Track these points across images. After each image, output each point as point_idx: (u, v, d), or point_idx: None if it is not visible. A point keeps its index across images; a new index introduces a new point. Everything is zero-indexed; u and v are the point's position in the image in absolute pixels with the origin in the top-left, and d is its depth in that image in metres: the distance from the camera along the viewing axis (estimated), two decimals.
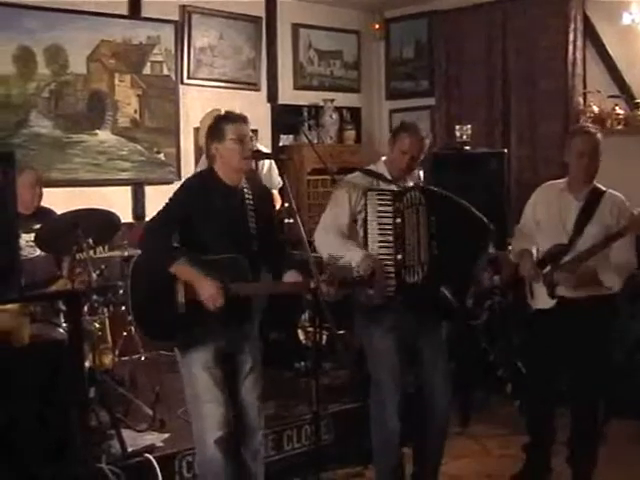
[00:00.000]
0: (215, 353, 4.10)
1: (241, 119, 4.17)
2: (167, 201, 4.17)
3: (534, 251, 4.79)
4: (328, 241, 4.46)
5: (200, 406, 4.12)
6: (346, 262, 4.30)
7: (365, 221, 4.40)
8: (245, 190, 4.21)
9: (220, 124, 4.16)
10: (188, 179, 4.42)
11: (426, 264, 4.36)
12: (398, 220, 4.36)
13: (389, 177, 4.52)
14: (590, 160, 4.63)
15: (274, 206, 4.51)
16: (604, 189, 4.71)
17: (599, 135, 4.69)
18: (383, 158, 4.65)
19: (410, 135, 4.46)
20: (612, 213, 4.61)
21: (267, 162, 6.38)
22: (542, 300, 4.72)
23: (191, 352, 4.11)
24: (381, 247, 4.36)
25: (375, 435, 4.64)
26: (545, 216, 4.77)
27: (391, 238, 4.36)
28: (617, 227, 4.50)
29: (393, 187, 4.47)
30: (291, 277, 4.19)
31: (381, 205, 4.36)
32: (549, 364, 4.82)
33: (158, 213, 4.17)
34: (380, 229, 4.37)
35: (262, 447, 4.39)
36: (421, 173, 4.73)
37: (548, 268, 4.67)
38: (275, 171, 6.43)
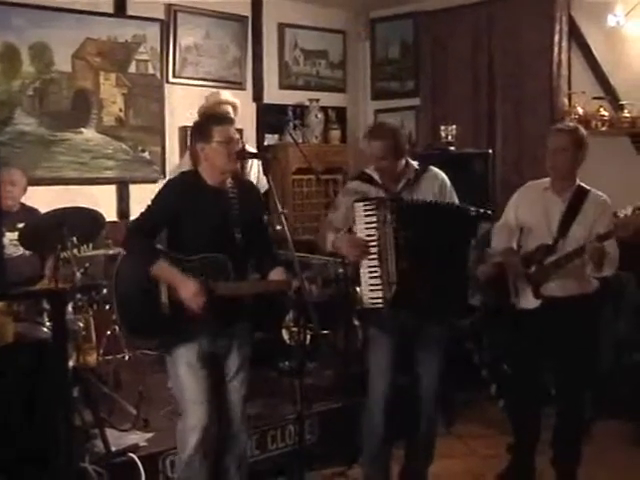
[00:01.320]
0: (200, 353, 4.10)
1: (228, 120, 4.17)
2: (150, 202, 4.17)
3: (515, 247, 4.80)
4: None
5: (183, 405, 4.14)
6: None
7: (353, 231, 4.47)
8: (230, 190, 4.19)
9: (207, 124, 4.15)
10: (171, 179, 4.42)
11: (394, 284, 4.37)
12: (379, 233, 4.38)
13: (379, 180, 4.55)
14: (561, 157, 4.65)
15: (262, 204, 4.49)
16: (588, 189, 4.72)
17: (580, 133, 4.70)
18: None
19: (372, 139, 4.50)
20: (595, 213, 4.61)
21: (255, 163, 6.36)
22: (527, 300, 4.72)
23: (176, 351, 4.12)
24: (370, 259, 4.40)
25: (363, 427, 4.73)
26: (529, 217, 4.77)
27: (375, 250, 4.39)
28: (602, 228, 4.51)
29: (381, 193, 4.49)
30: (276, 274, 4.20)
31: (367, 215, 4.39)
32: (534, 364, 4.84)
33: (141, 214, 4.17)
34: (367, 240, 4.39)
35: (246, 451, 4.40)
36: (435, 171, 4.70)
37: (533, 268, 4.68)
38: (261, 172, 6.43)
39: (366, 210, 4.38)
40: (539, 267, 4.65)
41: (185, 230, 4.10)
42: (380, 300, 4.38)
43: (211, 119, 4.19)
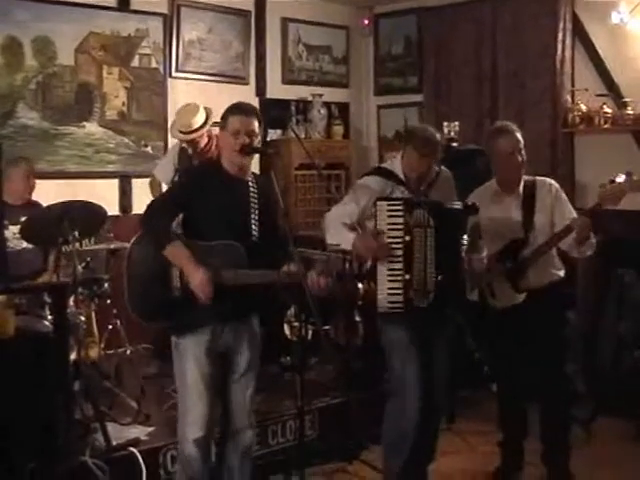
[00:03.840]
0: (207, 349, 4.07)
1: (243, 111, 4.11)
2: (169, 186, 4.17)
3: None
4: (330, 227, 4.47)
5: (186, 400, 4.11)
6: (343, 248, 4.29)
7: (376, 231, 4.33)
8: (251, 183, 4.17)
9: (226, 114, 4.14)
10: (193, 166, 4.42)
11: (432, 292, 4.31)
12: (407, 238, 4.28)
13: (404, 180, 4.46)
14: (519, 157, 4.67)
15: (278, 198, 4.45)
16: (532, 178, 4.77)
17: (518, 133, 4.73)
18: (399, 156, 4.57)
19: (418, 144, 4.39)
20: (550, 197, 4.69)
21: None
22: (507, 297, 4.75)
23: (184, 342, 4.09)
24: (390, 261, 4.30)
25: (390, 431, 4.61)
26: (486, 221, 4.65)
27: (400, 252, 4.29)
28: (565, 207, 4.63)
29: (407, 194, 4.42)
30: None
31: (391, 217, 4.28)
32: (515, 360, 4.87)
33: (161, 194, 4.20)
34: (390, 242, 4.29)
35: (252, 448, 4.33)
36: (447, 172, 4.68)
37: (508, 264, 4.71)
38: None
39: (391, 210, 4.28)
40: (514, 262, 4.68)
41: (201, 217, 4.08)
42: (400, 304, 4.30)
43: (230, 108, 4.16)
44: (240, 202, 4.11)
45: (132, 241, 4.24)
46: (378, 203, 4.31)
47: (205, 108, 6.07)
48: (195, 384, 4.06)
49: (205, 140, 5.94)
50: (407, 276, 4.29)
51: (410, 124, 4.77)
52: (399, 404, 4.51)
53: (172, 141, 6.66)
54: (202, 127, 5.95)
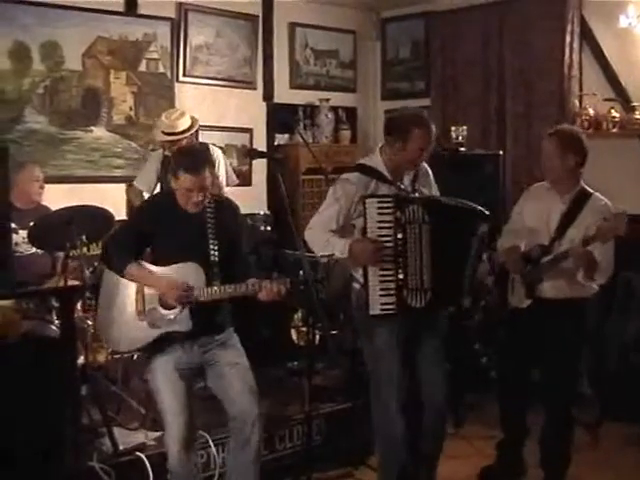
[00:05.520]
0: (179, 361, 4.14)
1: (197, 170, 4.06)
2: (126, 219, 4.24)
3: (522, 247, 4.79)
4: (315, 240, 4.35)
5: (163, 415, 4.18)
6: (338, 257, 4.26)
7: (364, 230, 4.23)
8: (208, 212, 4.20)
9: (177, 167, 4.12)
10: (147, 199, 4.50)
11: (429, 290, 4.24)
12: (399, 235, 4.19)
13: (389, 176, 4.36)
14: (547, 162, 4.70)
15: (240, 222, 4.47)
16: (591, 192, 4.70)
17: (565, 137, 4.69)
18: (377, 151, 4.44)
19: (426, 130, 4.29)
20: (593, 218, 4.52)
21: (222, 160, 6.36)
22: (519, 298, 4.75)
23: (154, 361, 4.17)
24: (381, 261, 4.20)
25: (380, 439, 4.56)
26: (532, 217, 4.78)
27: (391, 252, 4.20)
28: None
29: (394, 190, 4.32)
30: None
31: (381, 214, 4.18)
32: (521, 362, 4.87)
33: (115, 230, 4.32)
34: (381, 241, 4.19)
35: (259, 453, 4.25)
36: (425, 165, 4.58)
37: (529, 267, 4.69)
38: (229, 167, 6.49)
39: (381, 208, 4.17)
40: (534, 267, 4.66)
41: (161, 245, 4.20)
42: (392, 306, 4.22)
43: (182, 164, 4.11)
44: (196, 227, 4.17)
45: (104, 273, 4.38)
46: (367, 201, 4.20)
47: (191, 116, 6.12)
48: (168, 399, 4.12)
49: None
50: (400, 275, 4.21)
51: (398, 112, 4.53)
52: (383, 411, 4.45)
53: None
54: (187, 131, 5.99)
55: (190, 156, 4.23)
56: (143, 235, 4.19)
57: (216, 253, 4.15)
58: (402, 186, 4.39)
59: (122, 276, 4.13)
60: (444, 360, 4.60)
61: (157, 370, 4.15)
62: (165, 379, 4.12)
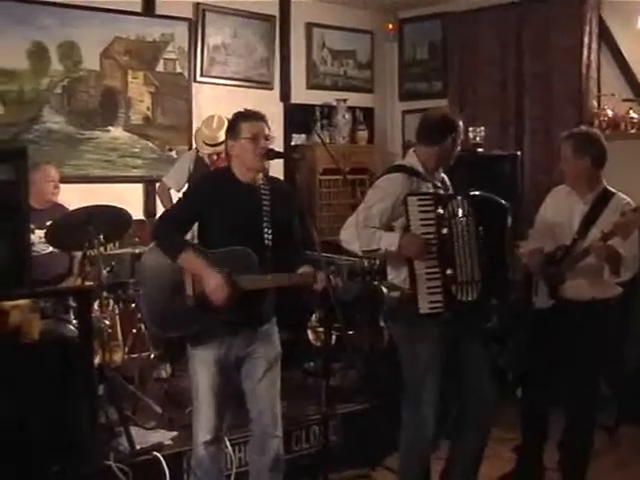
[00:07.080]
0: (219, 355, 4.09)
1: (256, 117, 4.13)
2: (181, 196, 4.19)
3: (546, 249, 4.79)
4: (359, 235, 4.27)
5: (197, 403, 4.16)
6: (384, 252, 4.22)
7: (407, 229, 4.23)
8: (263, 188, 4.16)
9: (236, 122, 4.14)
10: (203, 175, 4.45)
11: (480, 282, 4.24)
12: (444, 230, 4.21)
13: (427, 176, 4.38)
14: (564, 165, 4.74)
15: (295, 205, 4.42)
16: (613, 192, 4.70)
17: (579, 140, 4.70)
18: (412, 152, 4.49)
19: (460, 131, 4.43)
20: (615, 216, 4.49)
21: None
22: (542, 299, 4.76)
23: (197, 348, 4.12)
24: (427, 259, 4.20)
25: (407, 440, 4.50)
26: (555, 218, 4.79)
27: (435, 249, 4.20)
28: None
29: (431, 188, 4.35)
30: (303, 271, 4.15)
31: (422, 212, 4.20)
32: (544, 364, 4.84)
33: (171, 206, 4.22)
34: (425, 238, 4.19)
35: (280, 453, 4.25)
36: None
37: (551, 268, 4.69)
38: None
39: (422, 205, 4.19)
40: (557, 267, 4.65)
41: (214, 225, 4.09)
42: (440, 304, 4.21)
43: (240, 116, 4.16)
44: (252, 208, 4.11)
45: (145, 251, 4.28)
46: (409, 199, 4.20)
47: (226, 119, 6.12)
48: (204, 391, 4.11)
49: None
50: (449, 271, 4.21)
51: (429, 113, 4.58)
52: (417, 415, 4.39)
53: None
54: None
55: (246, 111, 4.21)
56: (198, 214, 4.11)
57: (270, 237, 4.09)
58: (439, 184, 4.44)
59: (174, 261, 4.02)
60: (488, 359, 4.63)
61: (199, 357, 4.11)
62: (206, 369, 4.08)
